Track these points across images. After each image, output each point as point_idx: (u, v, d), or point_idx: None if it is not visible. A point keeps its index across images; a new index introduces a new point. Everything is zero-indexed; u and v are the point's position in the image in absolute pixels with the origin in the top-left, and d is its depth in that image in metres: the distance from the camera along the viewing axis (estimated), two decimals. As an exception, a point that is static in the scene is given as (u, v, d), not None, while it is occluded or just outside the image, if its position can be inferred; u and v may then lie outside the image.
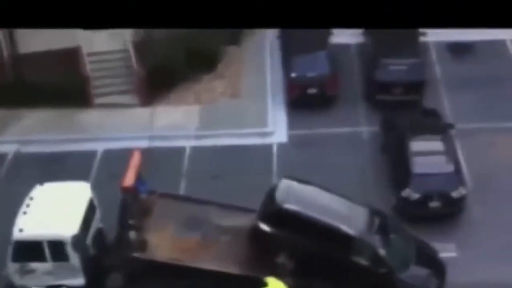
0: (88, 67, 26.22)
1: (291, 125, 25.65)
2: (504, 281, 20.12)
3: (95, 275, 19.42)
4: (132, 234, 19.25)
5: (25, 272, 19.13)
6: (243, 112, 25.95)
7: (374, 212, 19.70)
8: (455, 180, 21.96)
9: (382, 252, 18.93)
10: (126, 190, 19.33)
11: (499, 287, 20.03)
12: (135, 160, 20.00)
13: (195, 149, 24.88)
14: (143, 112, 26.12)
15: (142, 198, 20.21)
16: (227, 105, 26.33)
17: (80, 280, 19.24)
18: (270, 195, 19.37)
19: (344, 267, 18.81)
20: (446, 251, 20.73)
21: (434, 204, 21.75)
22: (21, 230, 18.98)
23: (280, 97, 26.65)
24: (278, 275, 18.49)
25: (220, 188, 22.92)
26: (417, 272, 19.38)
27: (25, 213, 19.39)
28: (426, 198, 21.68)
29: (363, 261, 18.78)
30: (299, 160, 24.06)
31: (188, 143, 25.08)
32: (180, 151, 24.78)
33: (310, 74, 25.95)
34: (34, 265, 19.13)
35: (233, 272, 18.88)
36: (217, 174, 23.70)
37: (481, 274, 20.29)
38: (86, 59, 26.23)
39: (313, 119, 25.70)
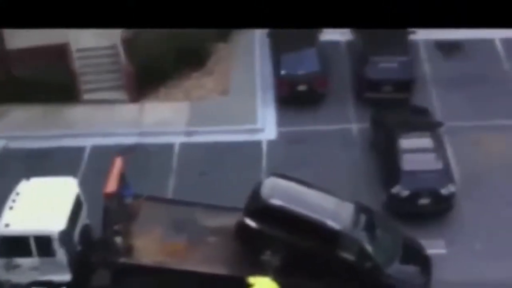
0: (77, 63, 26.10)
1: (281, 122, 25.57)
2: (493, 278, 20.11)
3: (82, 271, 19.30)
4: (118, 239, 19.12)
5: (11, 267, 18.98)
6: (232, 109, 25.83)
7: (360, 208, 19.68)
8: (444, 177, 21.98)
9: (368, 247, 18.92)
10: (108, 196, 19.12)
11: (488, 284, 20.01)
12: (117, 166, 19.75)
13: (184, 146, 24.76)
14: (132, 109, 26.00)
15: (127, 203, 20.07)
16: (216, 102, 26.21)
17: (66, 276, 19.11)
18: (256, 191, 19.34)
19: (330, 262, 18.79)
20: (436, 248, 20.78)
21: (423, 201, 21.75)
22: (7, 225, 18.84)
23: (270, 94, 26.58)
24: (264, 273, 18.44)
25: (209, 185, 22.91)
26: (403, 267, 19.35)
27: (11, 208, 19.24)
28: (415, 195, 21.69)
29: (349, 256, 18.77)
30: (289, 157, 24.00)
31: (177, 140, 24.96)
32: (169, 147, 24.64)
33: (300, 72, 25.90)
34: (20, 260, 18.97)
35: (221, 272, 18.80)
36: (205, 171, 23.61)
37: (470, 271, 20.35)
38: (75, 55, 26.09)
39: (302, 116, 25.64)
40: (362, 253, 18.82)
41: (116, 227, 19.19)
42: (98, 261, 19.23)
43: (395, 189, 21.82)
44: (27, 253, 18.82)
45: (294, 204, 19.01)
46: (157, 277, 19.01)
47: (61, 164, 23.39)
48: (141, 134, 25.09)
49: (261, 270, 18.56)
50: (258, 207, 19.07)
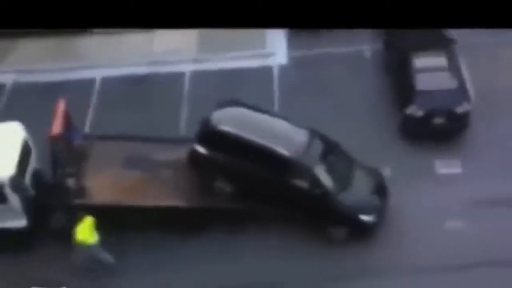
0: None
1: (292, 45, 25.09)
2: (507, 196, 19.87)
3: (37, 216, 19.01)
4: (70, 181, 19.02)
5: None
6: (242, 34, 25.29)
7: (314, 135, 19.34)
8: (459, 95, 21.57)
9: (319, 174, 18.69)
10: (54, 138, 18.87)
11: (503, 201, 19.77)
12: (61, 108, 19.44)
13: (194, 74, 24.52)
14: (141, 38, 25.64)
15: (76, 145, 19.92)
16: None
17: (22, 222, 18.79)
18: (207, 118, 19.20)
19: (281, 189, 18.70)
20: (451, 168, 20.68)
21: (438, 120, 21.45)
22: None
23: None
24: (218, 200, 18.62)
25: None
26: (356, 194, 19.05)
27: None
28: (430, 114, 21.38)
29: (299, 183, 18.62)
30: (300, 81, 23.71)
31: (187, 68, 24.68)
32: (179, 76, 24.39)
33: None
34: None
35: (176, 205, 18.80)
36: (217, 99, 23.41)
37: (485, 189, 20.09)
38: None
39: (314, 39, 25.08)
40: (313, 180, 18.62)
41: (67, 169, 19.04)
42: (53, 205, 19.07)
43: (410, 109, 21.51)
44: None
45: (244, 130, 18.82)
46: (114, 217, 18.85)
47: (72, 97, 23.23)
48: (151, 63, 24.82)
49: (214, 197, 18.70)
50: (208, 133, 19.00)
